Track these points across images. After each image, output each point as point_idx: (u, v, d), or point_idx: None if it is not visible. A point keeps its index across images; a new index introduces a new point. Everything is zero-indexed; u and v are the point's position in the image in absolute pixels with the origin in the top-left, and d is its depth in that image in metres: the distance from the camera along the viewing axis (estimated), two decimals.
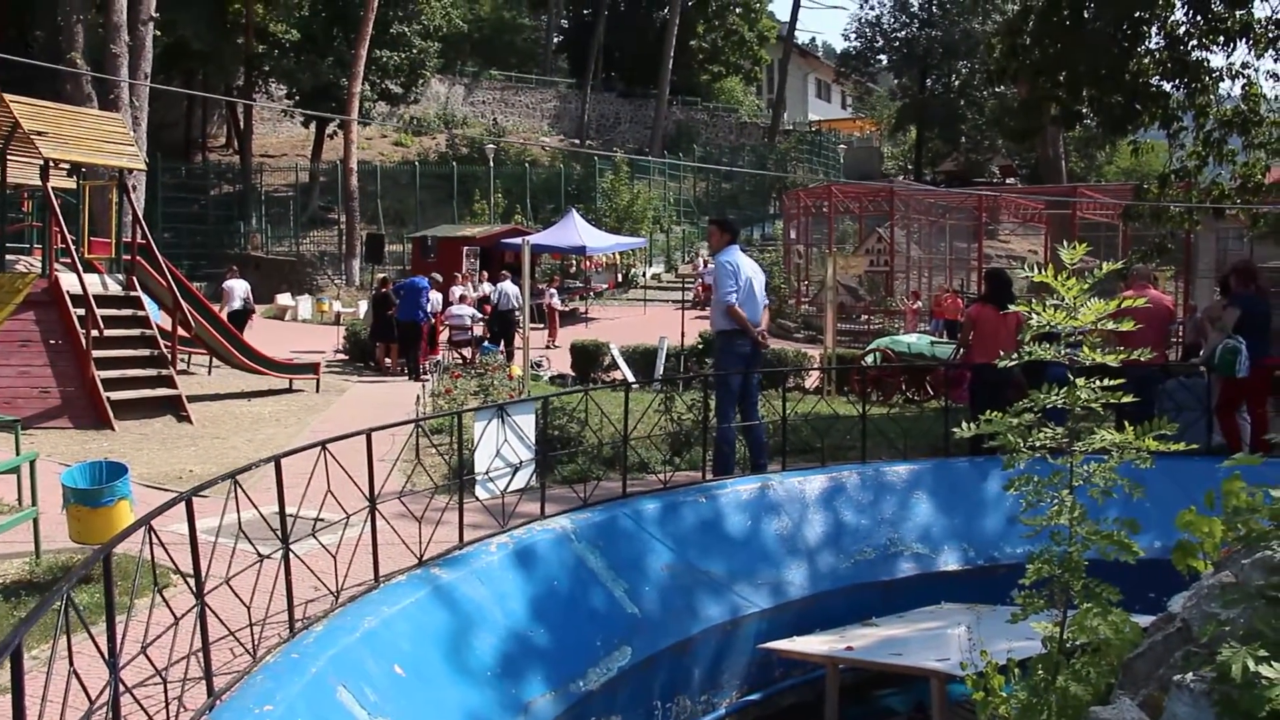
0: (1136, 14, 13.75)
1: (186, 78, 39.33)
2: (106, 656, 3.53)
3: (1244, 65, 13.50)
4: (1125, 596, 3.98)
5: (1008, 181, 47.30)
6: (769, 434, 9.13)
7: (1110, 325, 4.06)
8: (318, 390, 16.34)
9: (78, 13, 25.56)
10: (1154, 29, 14.09)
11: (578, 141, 52.33)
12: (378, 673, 4.86)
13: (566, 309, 28.83)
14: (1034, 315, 4.16)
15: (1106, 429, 4.10)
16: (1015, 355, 4.33)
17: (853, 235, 36.28)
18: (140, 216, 16.02)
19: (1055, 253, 4.33)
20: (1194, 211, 14.47)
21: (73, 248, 14.15)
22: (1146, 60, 14.15)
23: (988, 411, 4.34)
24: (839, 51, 66.80)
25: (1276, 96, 15.29)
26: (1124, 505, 4.16)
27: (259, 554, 4.89)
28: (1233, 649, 2.88)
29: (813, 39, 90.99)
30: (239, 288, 21.33)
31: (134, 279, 14.65)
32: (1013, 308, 9.25)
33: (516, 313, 19.43)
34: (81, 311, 12.95)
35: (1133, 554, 3.88)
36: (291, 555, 5.04)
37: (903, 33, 54.37)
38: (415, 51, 41.08)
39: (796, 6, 56.42)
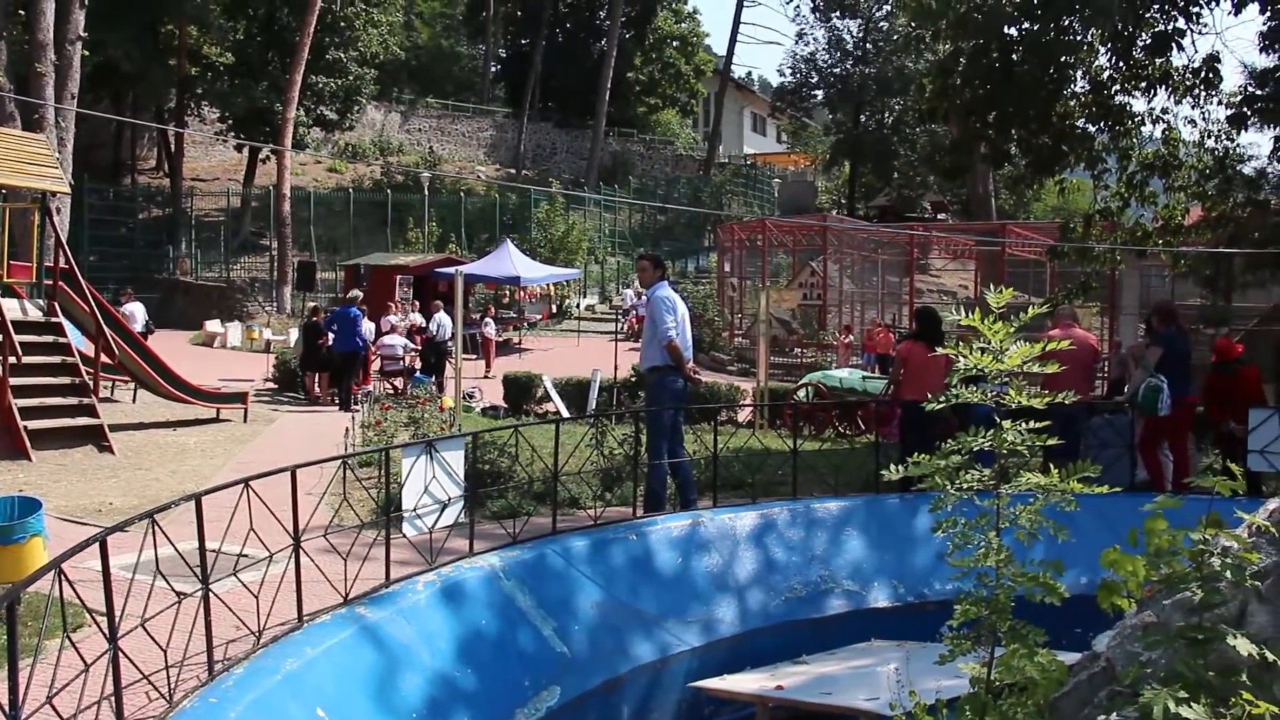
0: (1063, 58, 14.08)
1: (116, 98, 38.75)
2: (6, 710, 3.39)
3: (1164, 110, 13.89)
4: (1052, 632, 4.01)
5: (939, 217, 48.09)
6: (699, 470, 9.12)
7: (1036, 368, 4.12)
8: (245, 420, 16.06)
9: (1, 30, 25.06)
10: (1079, 73, 14.46)
11: (514, 171, 52.33)
12: (300, 717, 4.75)
13: (500, 339, 28.71)
14: (961, 358, 4.19)
15: (1033, 469, 4.15)
16: (943, 396, 4.36)
17: (786, 269, 36.61)
18: (63, 240, 15.68)
19: (984, 291, 4.39)
20: (1118, 250, 14.81)
21: None
22: (1072, 103, 14.50)
23: (916, 451, 4.37)
24: (775, 86, 67.60)
25: (1194, 141, 15.68)
26: (1050, 544, 4.20)
27: (177, 593, 4.77)
28: (1154, 690, 2.92)
29: (749, 73, 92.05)
30: (138, 311, 20.98)
31: (55, 304, 14.32)
32: (941, 350, 9.36)
33: (450, 343, 19.31)
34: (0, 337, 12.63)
35: (1058, 596, 3.90)
36: (211, 595, 4.91)
37: (837, 69, 55.14)
38: (351, 78, 40.86)
39: (733, 41, 56.89)
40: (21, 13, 27.07)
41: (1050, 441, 4.08)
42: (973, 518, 4.16)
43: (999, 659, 3.95)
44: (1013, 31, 14.54)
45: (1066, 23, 14.01)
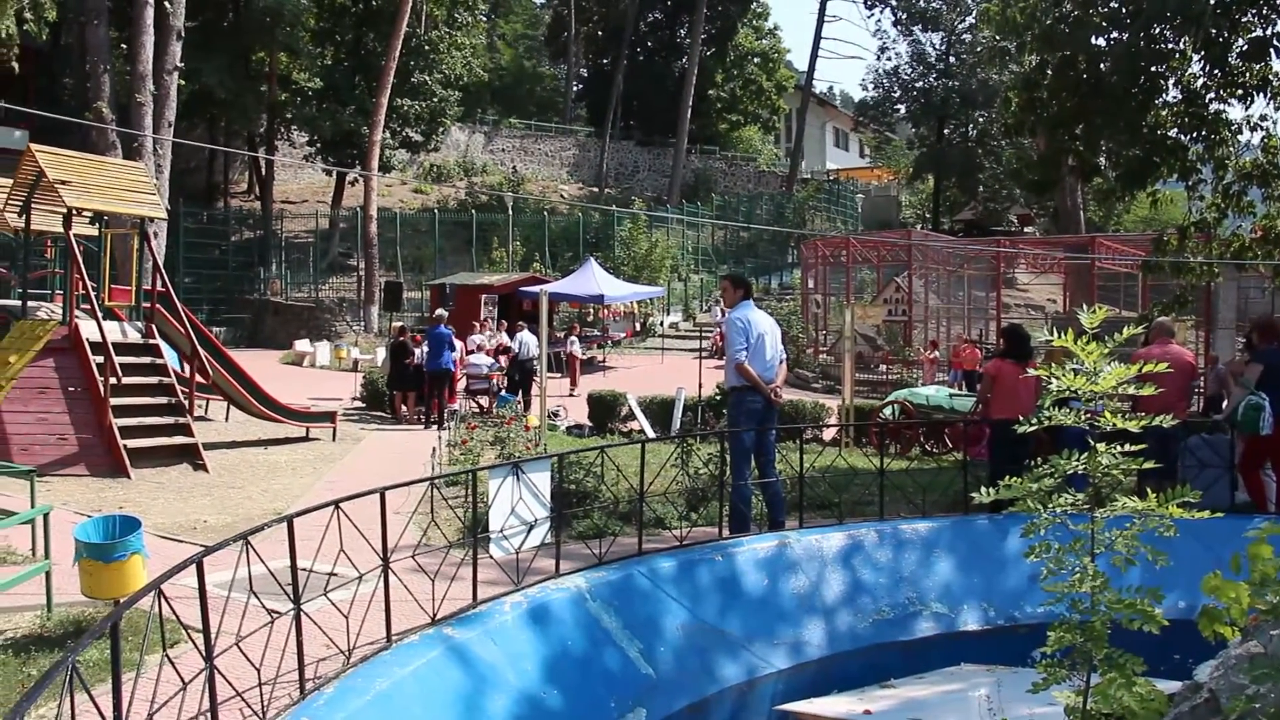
0: (1153, 67, 13.78)
1: (210, 125, 39.79)
2: None
3: (1262, 118, 13.56)
4: (1149, 659, 3.90)
5: (1026, 230, 47.31)
6: (786, 490, 9.05)
7: (1132, 389, 4.02)
8: (334, 438, 16.33)
9: (105, 62, 25.92)
10: (1171, 82, 14.12)
11: (597, 189, 52.64)
12: None
13: (585, 357, 28.82)
14: (1054, 380, 4.11)
15: (1128, 489, 4.05)
16: (1034, 419, 4.28)
17: (871, 285, 36.27)
18: (160, 264, 16.12)
19: (1074, 307, 4.30)
20: (1215, 263, 14.42)
21: (93, 295, 14.24)
22: (1164, 113, 14.16)
23: (1006, 472, 4.29)
24: (857, 101, 67.19)
25: None
26: (1146, 568, 4.09)
27: (270, 612, 4.85)
28: None
29: (830, 88, 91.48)
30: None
31: (153, 326, 14.73)
32: (1032, 371, 9.20)
33: (535, 362, 19.43)
34: (100, 359, 13.01)
35: (1156, 623, 3.80)
36: (303, 614, 4.99)
37: (920, 82, 54.63)
38: (436, 100, 41.50)
39: (814, 56, 56.62)
40: (123, 46, 27.98)
41: (1147, 465, 3.98)
42: (1066, 542, 4.07)
43: (1095, 687, 3.86)
44: (1100, 42, 14.28)
45: (1157, 31, 13.71)
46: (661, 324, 37.74)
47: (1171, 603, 4.18)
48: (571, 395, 23.64)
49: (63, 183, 13.38)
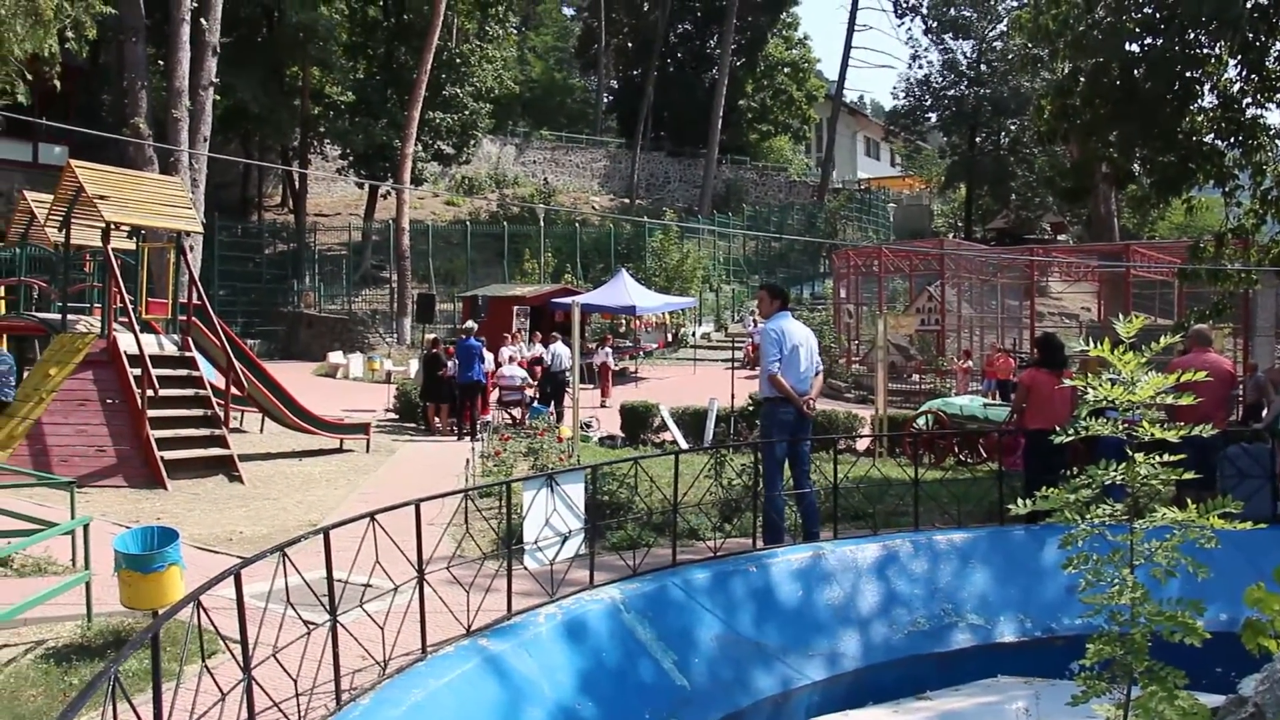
0: (1189, 73, 13.64)
1: (244, 139, 40.16)
2: None
3: None
4: (1190, 671, 3.85)
5: (1059, 238, 46.99)
6: (819, 500, 9.02)
7: (1169, 399, 3.98)
8: (368, 450, 16.43)
9: (142, 79, 26.28)
10: (1207, 88, 13.98)
11: (628, 201, 52.72)
12: None
13: (617, 368, 28.85)
14: (1090, 390, 4.08)
15: (1167, 504, 4.01)
16: (1071, 429, 4.25)
17: (903, 294, 36.12)
18: (196, 278, 16.29)
19: (1110, 316, 4.28)
20: (1253, 270, 14.26)
21: (131, 308, 14.40)
22: (1200, 119, 14.02)
23: (1042, 482, 4.26)
24: (888, 110, 66.99)
25: None
26: (1187, 579, 4.04)
27: (306, 623, 4.88)
28: None
29: (861, 97, 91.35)
30: None
31: (189, 339, 14.87)
32: (1068, 382, 9.12)
33: (567, 373, 19.47)
34: (138, 371, 13.15)
35: (1198, 636, 3.76)
36: (339, 626, 5.02)
37: (951, 91, 54.41)
38: (467, 113, 41.72)
39: (845, 65, 56.49)
40: (160, 63, 28.33)
41: (1186, 475, 3.95)
42: (1105, 553, 4.03)
43: (1136, 701, 3.82)
44: (1134, 48, 14.15)
45: (1192, 36, 13.58)
46: (693, 335, 37.72)
47: (1213, 615, 4.12)
48: (604, 406, 23.66)
49: (101, 198, 13.56)
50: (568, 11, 72.82)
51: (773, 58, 58.81)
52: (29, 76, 14.80)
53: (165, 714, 3.59)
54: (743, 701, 6.64)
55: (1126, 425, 4.07)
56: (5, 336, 15.42)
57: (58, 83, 15.76)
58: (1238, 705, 3.48)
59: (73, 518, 7.65)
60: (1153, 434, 3.92)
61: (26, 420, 12.80)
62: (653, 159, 57.31)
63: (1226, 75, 13.81)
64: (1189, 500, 4.01)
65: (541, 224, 39.74)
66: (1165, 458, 3.96)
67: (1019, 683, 7.24)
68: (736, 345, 30.73)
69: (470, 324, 20.70)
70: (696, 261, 40.19)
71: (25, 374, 14.66)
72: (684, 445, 16.08)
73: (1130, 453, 3.99)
